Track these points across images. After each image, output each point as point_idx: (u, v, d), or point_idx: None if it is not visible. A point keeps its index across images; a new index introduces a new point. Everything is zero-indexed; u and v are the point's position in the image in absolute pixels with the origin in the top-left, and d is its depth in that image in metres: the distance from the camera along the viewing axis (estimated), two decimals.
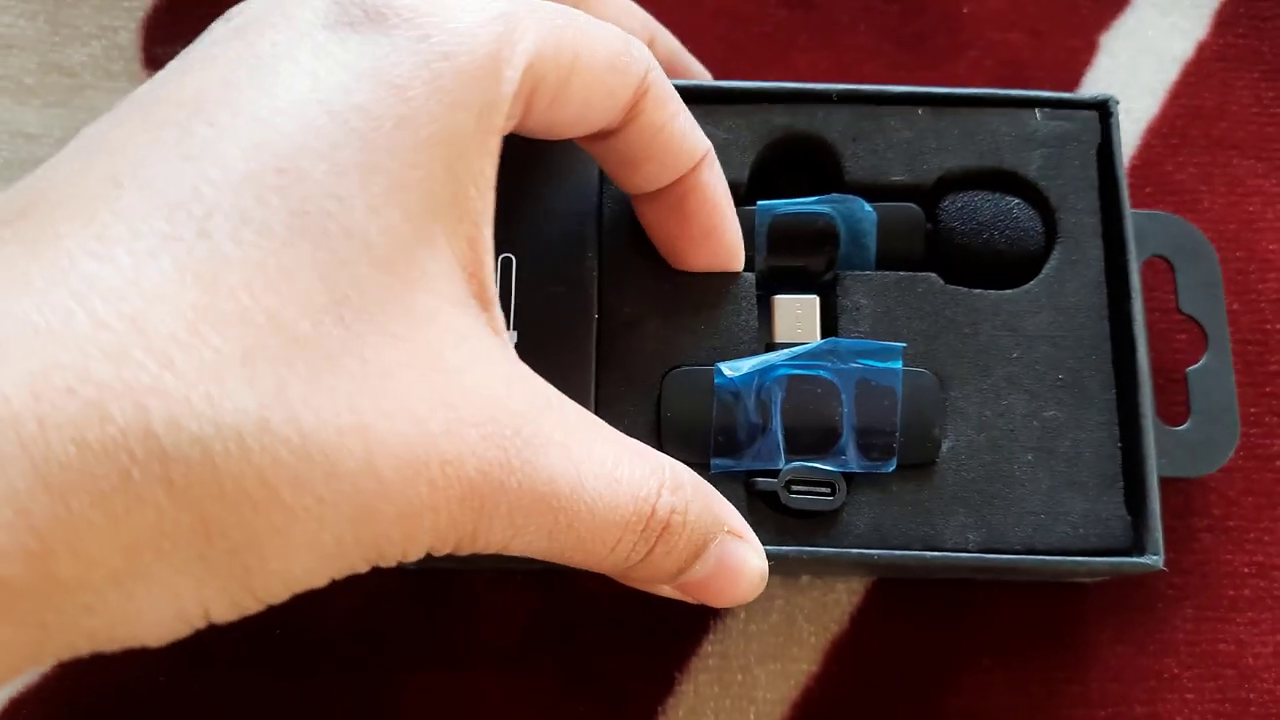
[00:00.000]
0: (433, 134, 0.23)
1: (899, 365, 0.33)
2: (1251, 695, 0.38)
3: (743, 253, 0.34)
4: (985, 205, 0.37)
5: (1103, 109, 0.37)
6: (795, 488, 0.34)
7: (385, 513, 0.22)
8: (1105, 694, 0.38)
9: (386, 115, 0.23)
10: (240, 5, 0.25)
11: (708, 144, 0.31)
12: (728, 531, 0.29)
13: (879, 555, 0.33)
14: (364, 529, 0.22)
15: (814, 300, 0.35)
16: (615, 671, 0.38)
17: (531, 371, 0.26)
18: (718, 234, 0.33)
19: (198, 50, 0.24)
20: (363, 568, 0.23)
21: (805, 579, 0.39)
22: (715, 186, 0.32)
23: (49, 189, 0.22)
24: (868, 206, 0.36)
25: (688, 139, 0.30)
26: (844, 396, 0.33)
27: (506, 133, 0.26)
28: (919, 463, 0.34)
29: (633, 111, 0.29)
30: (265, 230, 0.21)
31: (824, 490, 0.34)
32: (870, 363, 0.33)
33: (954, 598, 0.38)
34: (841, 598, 0.39)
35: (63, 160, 0.22)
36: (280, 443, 0.20)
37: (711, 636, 0.38)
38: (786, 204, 0.36)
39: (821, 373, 0.33)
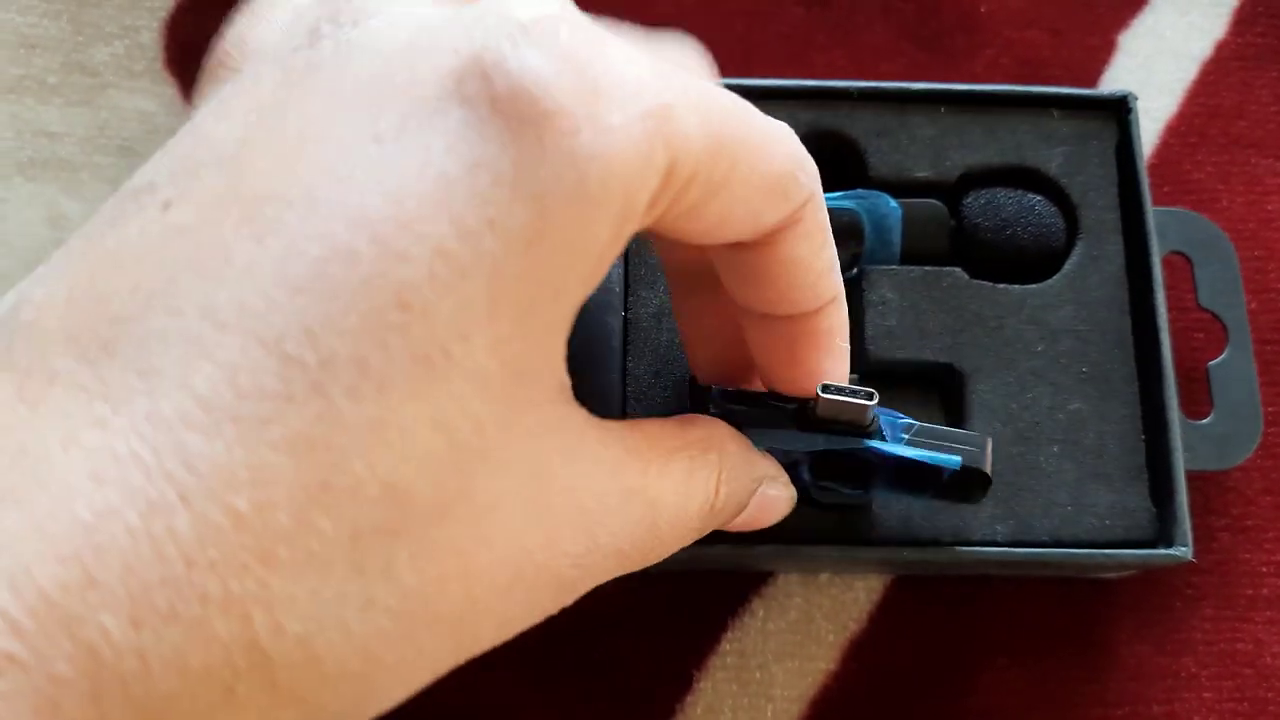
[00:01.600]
0: (568, 252, 0.20)
1: (953, 466, 0.29)
2: (1270, 694, 0.38)
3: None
4: (1008, 201, 0.37)
5: (1121, 106, 0.38)
6: (825, 483, 0.34)
7: (483, 631, 0.21)
8: (1123, 693, 0.38)
9: (521, 233, 0.19)
10: (332, 37, 0.21)
11: (839, 288, 0.27)
12: (767, 481, 0.29)
13: (908, 552, 0.34)
14: (463, 650, 0.21)
15: (868, 406, 0.28)
16: (633, 669, 0.38)
17: (606, 427, 0.24)
18: (817, 378, 0.27)
19: (280, 111, 0.20)
20: (458, 664, 0.22)
21: (824, 577, 0.39)
22: (836, 335, 0.27)
23: (137, 312, 0.18)
24: (893, 202, 0.36)
25: (822, 281, 0.26)
26: (879, 470, 0.30)
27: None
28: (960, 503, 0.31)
29: (772, 238, 0.24)
30: (386, 383, 0.18)
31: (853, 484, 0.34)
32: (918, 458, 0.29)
33: (972, 596, 0.39)
34: (860, 596, 0.39)
35: (149, 257, 0.19)
36: (383, 614, 0.19)
37: (730, 634, 0.38)
38: None
39: (859, 452, 0.29)
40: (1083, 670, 0.38)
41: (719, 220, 0.23)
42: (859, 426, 0.28)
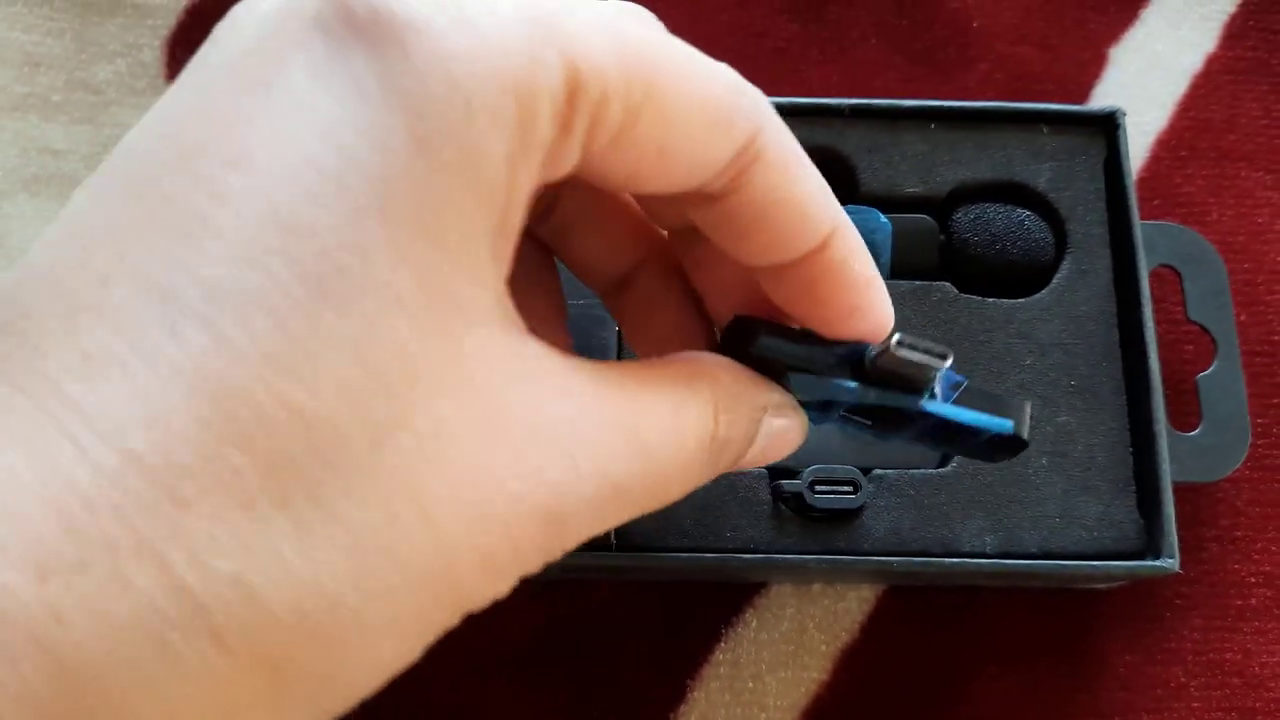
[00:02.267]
0: (461, 165, 0.19)
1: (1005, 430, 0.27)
2: (1258, 704, 0.38)
3: (891, 317, 0.27)
4: (997, 217, 0.37)
5: (1109, 122, 0.38)
6: (819, 487, 0.34)
7: (463, 573, 0.20)
8: (1114, 702, 0.38)
9: (401, 145, 0.19)
10: (228, 20, 0.21)
11: (839, 216, 0.25)
12: (773, 410, 0.26)
13: (898, 563, 0.34)
14: (448, 598, 0.20)
15: (941, 365, 0.26)
16: (627, 678, 0.38)
17: (575, 360, 0.23)
18: (859, 313, 0.26)
19: (184, 90, 0.20)
20: (454, 622, 0.21)
21: (817, 587, 0.39)
22: (852, 263, 0.25)
23: (30, 291, 0.19)
24: (883, 218, 0.37)
25: (811, 212, 0.24)
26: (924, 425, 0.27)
27: (561, 166, 0.22)
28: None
29: (739, 178, 0.23)
30: (278, 309, 0.18)
31: (846, 489, 0.34)
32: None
33: (964, 607, 0.39)
34: (852, 606, 0.39)
35: (46, 248, 0.19)
36: (329, 549, 0.18)
37: (723, 644, 0.39)
38: None
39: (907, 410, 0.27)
40: (1073, 680, 0.38)
41: (658, 152, 0.22)
42: (919, 383, 0.26)
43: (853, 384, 0.26)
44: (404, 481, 0.19)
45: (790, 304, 0.26)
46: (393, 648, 0.20)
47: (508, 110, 0.19)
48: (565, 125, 0.20)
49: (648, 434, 0.23)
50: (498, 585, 0.21)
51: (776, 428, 0.26)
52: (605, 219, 0.28)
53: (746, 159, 0.23)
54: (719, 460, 0.25)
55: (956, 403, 0.26)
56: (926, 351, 0.25)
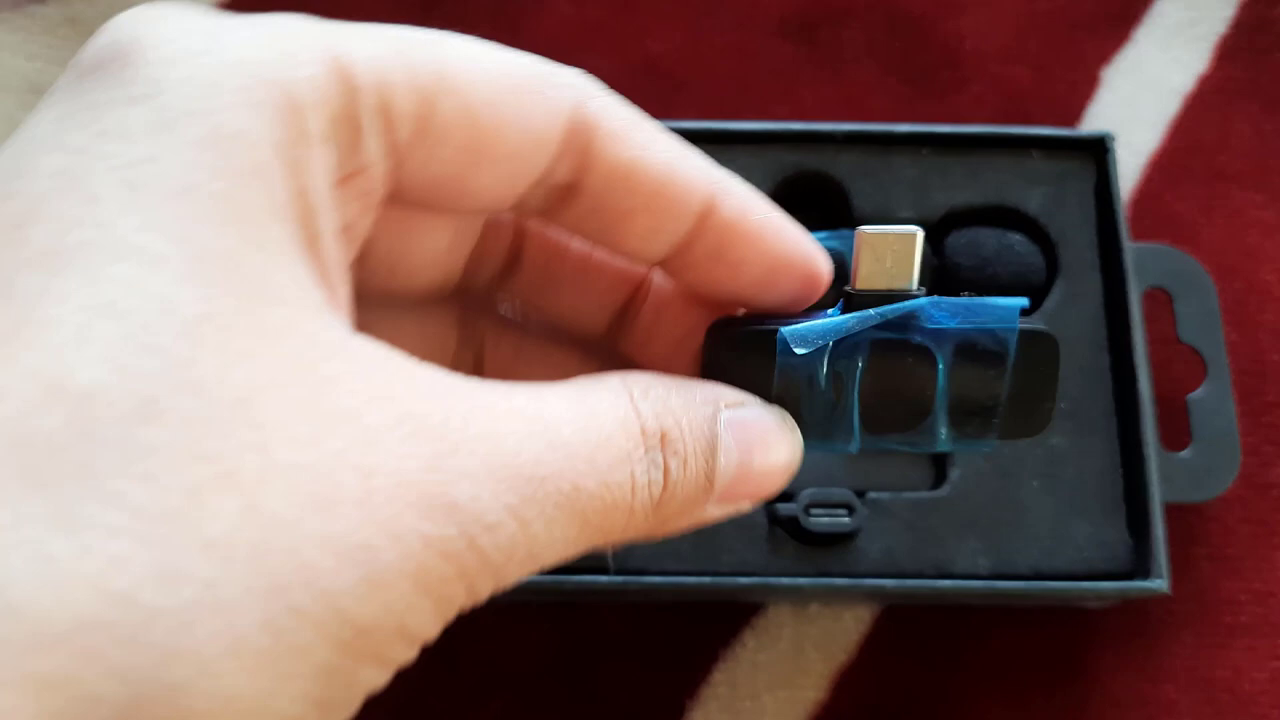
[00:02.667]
0: (206, 133, 0.18)
1: (1016, 326, 0.25)
2: (1247, 718, 0.38)
3: (826, 258, 0.25)
4: (989, 240, 0.38)
5: (1099, 146, 0.39)
6: (814, 510, 0.35)
7: (324, 569, 0.17)
8: (1105, 718, 0.39)
9: (140, 126, 0.18)
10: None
11: (716, 175, 0.24)
12: (727, 406, 0.24)
13: (893, 585, 0.34)
14: (311, 607, 0.17)
15: (914, 234, 0.25)
16: (628, 700, 0.39)
17: (414, 361, 0.20)
18: (786, 262, 0.25)
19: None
20: (361, 667, 0.18)
21: (814, 608, 0.40)
22: (749, 215, 0.24)
23: None
24: None
25: (678, 175, 0.23)
26: (940, 365, 0.25)
27: (371, 169, 0.21)
28: (1023, 436, 0.26)
29: (586, 159, 0.23)
30: (10, 281, 0.17)
31: (841, 512, 0.35)
32: (979, 323, 0.25)
33: (959, 627, 0.39)
34: (849, 626, 0.39)
35: None
36: (111, 537, 0.15)
37: (721, 665, 0.39)
38: None
39: (911, 336, 0.25)
40: (1066, 698, 0.39)
41: (472, 140, 0.21)
42: (906, 292, 0.24)
43: (844, 315, 0.24)
44: (202, 456, 0.16)
45: (719, 288, 0.25)
46: (245, 676, 0.16)
47: (261, 94, 0.19)
48: (348, 119, 0.20)
49: (550, 415, 0.20)
50: (403, 600, 0.18)
51: (745, 425, 0.24)
52: (572, 270, 0.27)
53: (581, 134, 0.22)
54: (664, 461, 0.22)
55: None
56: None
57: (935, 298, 0.25)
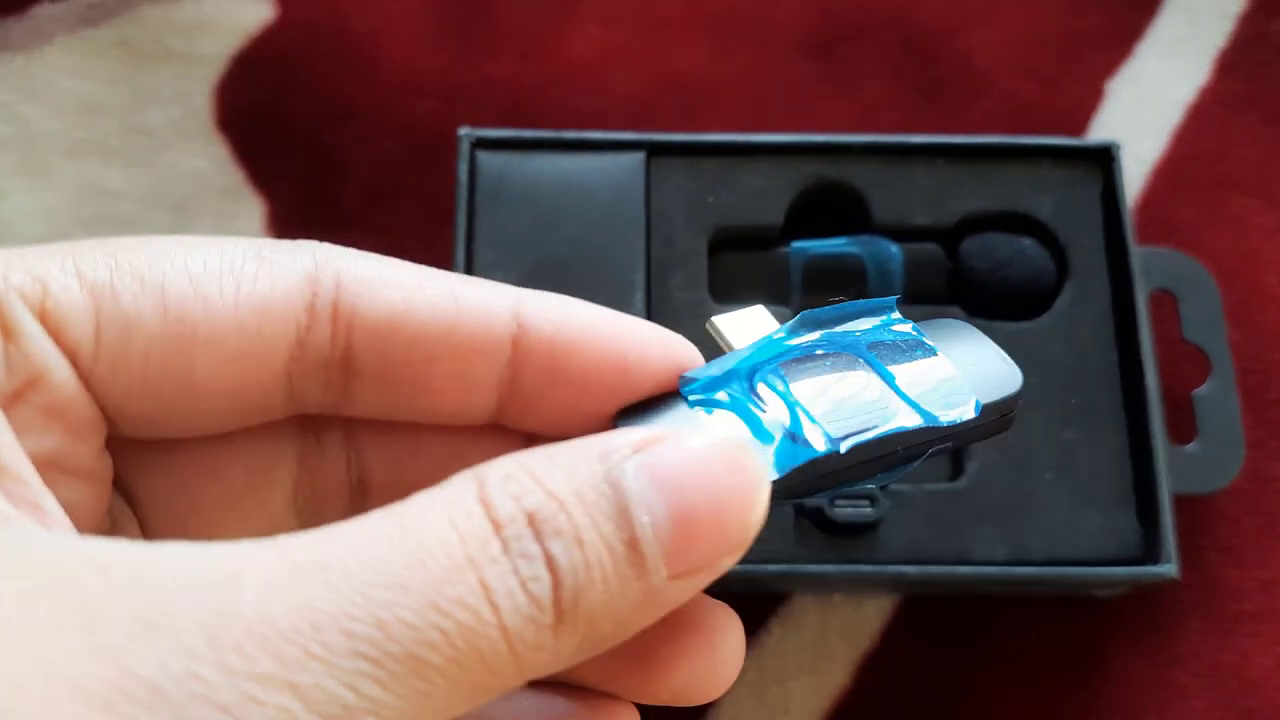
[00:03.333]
0: None
1: (893, 307, 0.24)
2: (1255, 703, 0.40)
3: (681, 341, 0.23)
4: (1002, 245, 0.40)
5: (1106, 155, 0.41)
6: (839, 501, 0.36)
7: None
8: (1117, 703, 0.40)
9: None
10: None
11: (508, 289, 0.22)
12: (635, 450, 0.18)
13: (915, 572, 0.36)
14: None
15: (758, 309, 0.24)
16: None
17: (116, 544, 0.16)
18: (641, 354, 0.22)
19: None
20: None
21: (837, 597, 0.41)
22: (575, 314, 0.22)
23: None
24: (894, 247, 0.39)
25: (465, 301, 0.22)
26: (864, 361, 0.23)
27: (101, 378, 0.20)
28: (1011, 394, 0.23)
29: (339, 319, 0.21)
30: None
31: (864, 503, 0.36)
32: (866, 332, 0.24)
33: (978, 616, 0.41)
34: (871, 615, 0.41)
35: None
36: None
37: (749, 653, 0.40)
38: (818, 245, 0.39)
39: (822, 346, 0.23)
40: (1080, 683, 0.40)
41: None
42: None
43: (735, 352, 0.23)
44: None
45: (573, 415, 0.22)
46: None
47: None
48: (53, 325, 0.19)
49: (338, 551, 0.17)
50: None
51: (663, 458, 0.18)
52: (411, 375, 0.23)
53: (324, 296, 0.21)
54: (576, 543, 0.17)
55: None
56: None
57: (802, 314, 0.23)
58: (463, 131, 0.40)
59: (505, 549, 0.17)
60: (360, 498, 0.24)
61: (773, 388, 0.22)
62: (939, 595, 0.41)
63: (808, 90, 0.48)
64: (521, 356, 0.22)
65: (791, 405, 0.21)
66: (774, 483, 0.20)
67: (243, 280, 0.20)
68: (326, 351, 0.21)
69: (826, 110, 0.48)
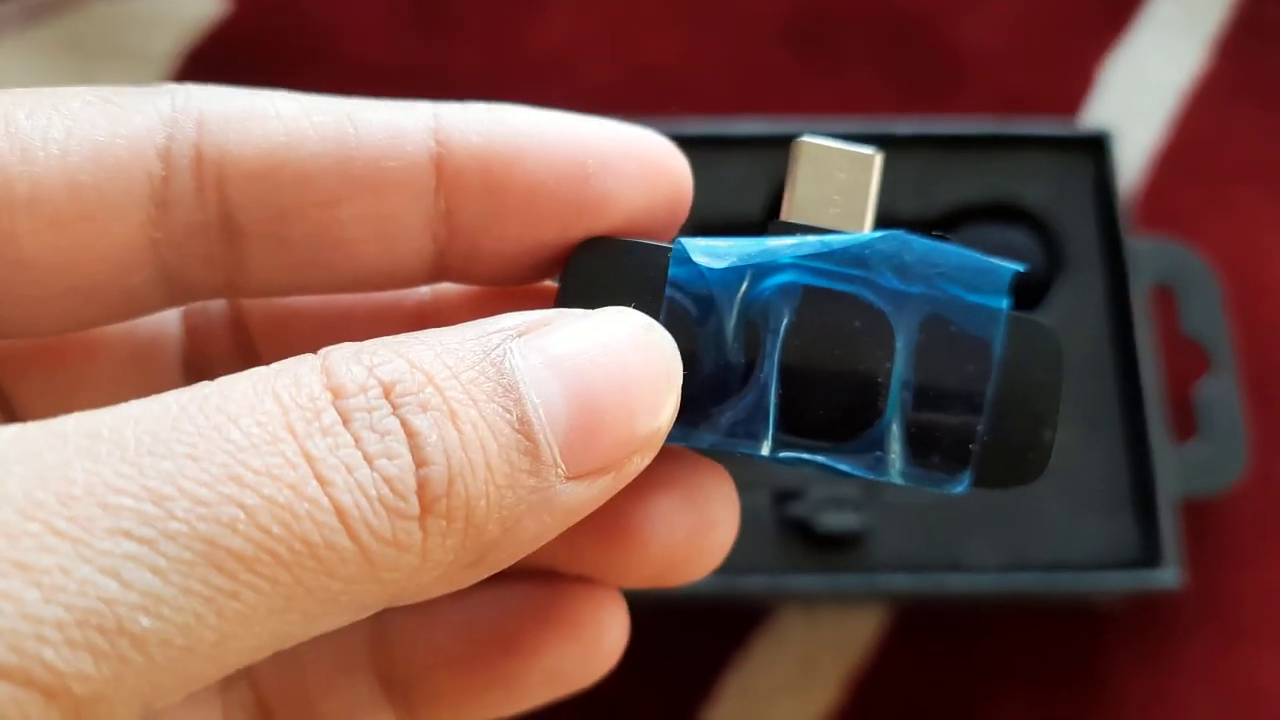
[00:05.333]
0: None
1: (1004, 304, 0.18)
2: (1262, 714, 0.38)
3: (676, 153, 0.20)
4: (991, 237, 0.38)
5: (1098, 143, 0.39)
6: (824, 510, 0.35)
7: None
8: (1119, 714, 0.38)
9: None
10: None
11: (416, 107, 0.18)
12: (521, 334, 0.15)
13: (904, 583, 0.35)
14: None
15: (872, 157, 0.20)
16: (639, 706, 0.38)
17: None
18: (621, 154, 0.19)
19: None
20: None
21: (825, 611, 0.39)
22: (511, 119, 0.18)
23: None
24: None
25: (358, 123, 0.18)
26: (899, 341, 0.18)
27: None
28: (1008, 483, 0.19)
29: (202, 167, 0.17)
30: None
31: (851, 511, 0.35)
32: (956, 290, 0.18)
33: (971, 627, 0.39)
34: (860, 628, 0.39)
35: None
36: None
37: (734, 670, 0.39)
38: None
39: (864, 292, 0.18)
40: (1080, 695, 0.39)
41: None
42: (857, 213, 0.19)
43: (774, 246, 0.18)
44: None
45: (533, 247, 0.18)
46: None
47: None
48: None
49: (115, 418, 0.13)
50: None
51: (562, 341, 0.15)
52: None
53: (182, 139, 0.17)
54: (450, 418, 0.14)
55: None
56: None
57: (898, 234, 0.18)
58: None
59: (345, 420, 0.14)
60: None
61: (765, 333, 0.17)
62: (931, 607, 0.39)
63: (789, 79, 0.46)
64: (451, 180, 0.17)
65: (765, 377, 0.18)
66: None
67: (76, 127, 0.16)
68: (196, 208, 0.17)
69: (808, 99, 0.46)
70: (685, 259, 0.17)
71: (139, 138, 0.16)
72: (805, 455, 0.18)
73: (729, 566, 0.35)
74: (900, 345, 0.18)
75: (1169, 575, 0.34)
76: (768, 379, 0.17)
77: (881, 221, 0.34)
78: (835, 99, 0.46)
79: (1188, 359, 0.41)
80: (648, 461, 0.16)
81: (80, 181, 0.16)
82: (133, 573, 0.12)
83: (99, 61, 0.45)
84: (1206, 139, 0.45)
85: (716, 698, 0.39)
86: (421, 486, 0.14)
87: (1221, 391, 0.39)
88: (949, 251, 0.18)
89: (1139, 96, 0.46)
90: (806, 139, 0.18)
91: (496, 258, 0.18)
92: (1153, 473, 0.35)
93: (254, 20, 0.46)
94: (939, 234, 0.18)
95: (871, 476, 0.18)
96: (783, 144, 0.38)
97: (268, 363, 0.15)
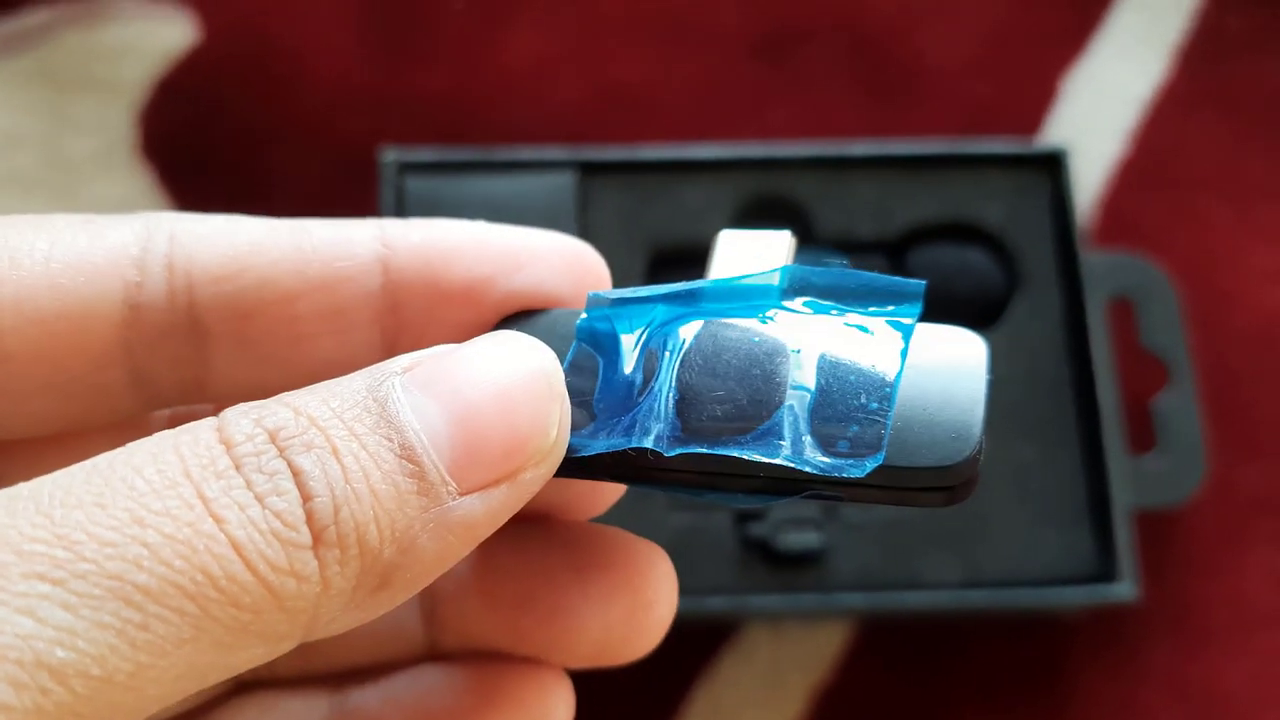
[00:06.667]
0: None
1: (914, 314, 0.19)
2: (1224, 719, 0.39)
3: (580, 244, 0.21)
4: (948, 257, 0.38)
5: (1054, 161, 0.39)
6: (784, 530, 0.35)
7: None
8: None
9: None
10: None
11: (359, 226, 0.20)
12: (404, 370, 0.16)
13: (865, 601, 0.35)
14: None
15: (784, 237, 0.21)
16: None
17: None
18: (527, 248, 0.20)
19: None
20: None
21: (790, 627, 0.40)
22: (440, 229, 0.20)
23: None
24: (838, 262, 0.38)
25: (315, 240, 0.20)
26: (798, 352, 0.18)
27: None
28: (937, 466, 0.17)
29: (174, 274, 0.19)
30: None
31: (811, 531, 0.35)
32: (863, 311, 0.19)
33: (937, 641, 0.40)
34: (826, 642, 0.40)
35: None
36: None
37: (700, 686, 0.39)
38: None
39: (763, 316, 0.19)
40: (1045, 706, 0.39)
41: None
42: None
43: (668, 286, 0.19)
44: None
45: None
46: None
47: None
48: None
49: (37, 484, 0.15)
50: None
51: (435, 362, 0.16)
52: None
53: (154, 250, 0.19)
54: (332, 454, 0.15)
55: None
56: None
57: (802, 268, 0.19)
58: (387, 156, 0.38)
59: (236, 466, 0.15)
60: None
61: (664, 349, 0.18)
62: (896, 621, 0.40)
63: (756, 95, 0.47)
64: (396, 276, 0.19)
65: (660, 385, 0.18)
66: (590, 457, 0.18)
67: (59, 239, 0.18)
68: (166, 309, 0.18)
69: (775, 116, 0.46)
70: (594, 303, 0.19)
71: (116, 249, 0.18)
72: (703, 449, 0.18)
73: (692, 587, 0.36)
74: (798, 353, 0.18)
75: (1125, 589, 0.35)
76: (662, 386, 0.18)
77: (839, 244, 0.35)
78: (802, 114, 0.46)
79: (1148, 371, 0.42)
80: (547, 474, 0.17)
81: (61, 284, 0.18)
82: (46, 610, 0.13)
83: (70, 92, 0.46)
84: (1169, 149, 0.46)
85: (684, 713, 0.39)
86: (309, 517, 0.15)
87: (1180, 403, 0.39)
88: (857, 275, 0.19)
89: (1102, 107, 0.46)
90: (726, 231, 0.20)
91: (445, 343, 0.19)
92: (1109, 486, 0.36)
93: (223, 48, 0.46)
94: (843, 263, 0.19)
95: (770, 457, 0.18)
96: (744, 167, 0.39)
97: None
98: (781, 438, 0.18)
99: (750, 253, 0.19)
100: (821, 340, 0.18)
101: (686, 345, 0.18)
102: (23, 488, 0.14)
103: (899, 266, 0.39)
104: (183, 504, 0.14)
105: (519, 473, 0.16)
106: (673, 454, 0.18)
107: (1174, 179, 0.45)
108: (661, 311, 0.19)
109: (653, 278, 0.38)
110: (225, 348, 0.19)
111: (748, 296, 0.18)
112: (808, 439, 0.18)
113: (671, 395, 0.18)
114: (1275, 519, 0.41)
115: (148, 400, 0.19)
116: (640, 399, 0.18)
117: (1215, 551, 0.41)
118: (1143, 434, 0.40)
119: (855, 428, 0.18)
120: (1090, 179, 0.45)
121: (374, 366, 0.17)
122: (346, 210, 0.43)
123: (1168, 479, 0.38)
